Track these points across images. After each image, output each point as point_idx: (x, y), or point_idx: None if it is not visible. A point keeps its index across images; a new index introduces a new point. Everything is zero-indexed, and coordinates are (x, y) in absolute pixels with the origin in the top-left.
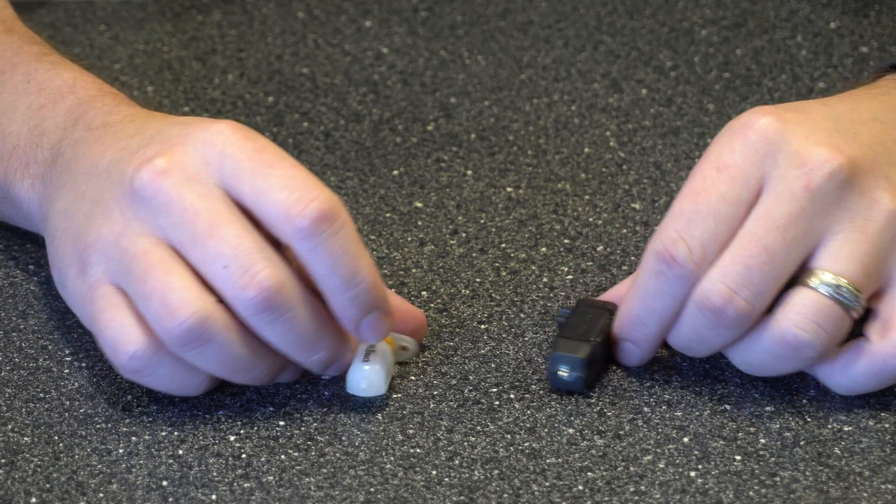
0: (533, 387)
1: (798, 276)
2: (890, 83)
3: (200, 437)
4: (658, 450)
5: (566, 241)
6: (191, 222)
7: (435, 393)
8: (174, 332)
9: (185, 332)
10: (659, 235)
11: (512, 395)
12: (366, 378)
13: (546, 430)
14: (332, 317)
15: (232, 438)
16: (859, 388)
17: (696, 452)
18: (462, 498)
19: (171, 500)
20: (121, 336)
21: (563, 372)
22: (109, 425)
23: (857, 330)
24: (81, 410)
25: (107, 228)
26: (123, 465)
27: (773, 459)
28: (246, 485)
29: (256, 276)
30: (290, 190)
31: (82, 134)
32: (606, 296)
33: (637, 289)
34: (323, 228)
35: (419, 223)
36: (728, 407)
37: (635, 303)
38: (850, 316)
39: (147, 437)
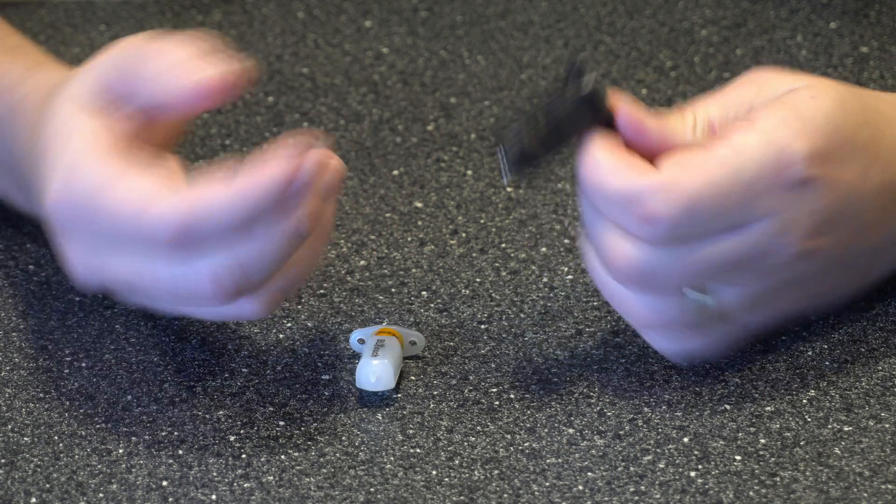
0: (533, 387)
1: None
2: None
3: (200, 437)
4: (658, 450)
5: (566, 241)
6: None
7: (435, 393)
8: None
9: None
10: None
11: (512, 395)
12: (374, 372)
13: (546, 430)
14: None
15: (232, 438)
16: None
17: (696, 452)
18: (462, 498)
19: (171, 500)
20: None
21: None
22: (109, 425)
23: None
24: (81, 410)
25: None
26: (123, 465)
27: (773, 459)
28: (246, 485)
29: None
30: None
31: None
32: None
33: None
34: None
35: (419, 223)
36: (728, 407)
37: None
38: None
39: (147, 437)
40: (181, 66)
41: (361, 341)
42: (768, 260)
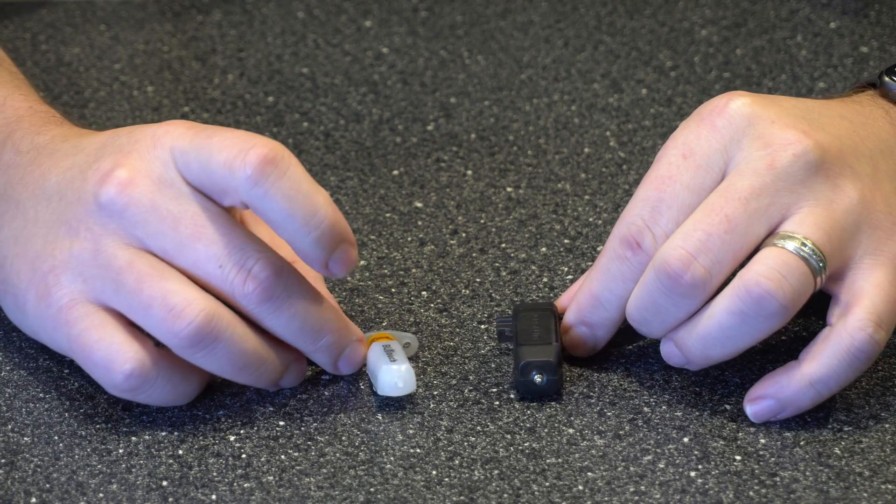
0: None
1: (762, 245)
2: (864, 97)
3: (200, 437)
4: (658, 450)
5: (566, 241)
6: (173, 228)
7: (435, 393)
8: (183, 334)
9: (194, 331)
10: (624, 220)
11: (512, 395)
12: (402, 378)
13: (546, 430)
14: (331, 298)
15: (232, 438)
16: (834, 376)
17: (696, 452)
18: (462, 498)
19: (171, 500)
20: (113, 355)
21: (538, 378)
22: (109, 425)
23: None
24: (81, 410)
25: (77, 247)
26: (123, 465)
27: (773, 459)
28: (246, 485)
29: (252, 268)
30: (229, 147)
31: (11, 157)
32: (560, 300)
33: (599, 271)
34: (268, 172)
35: (419, 223)
36: (728, 407)
37: (596, 284)
38: (813, 280)
39: (147, 437)
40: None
41: None
42: None
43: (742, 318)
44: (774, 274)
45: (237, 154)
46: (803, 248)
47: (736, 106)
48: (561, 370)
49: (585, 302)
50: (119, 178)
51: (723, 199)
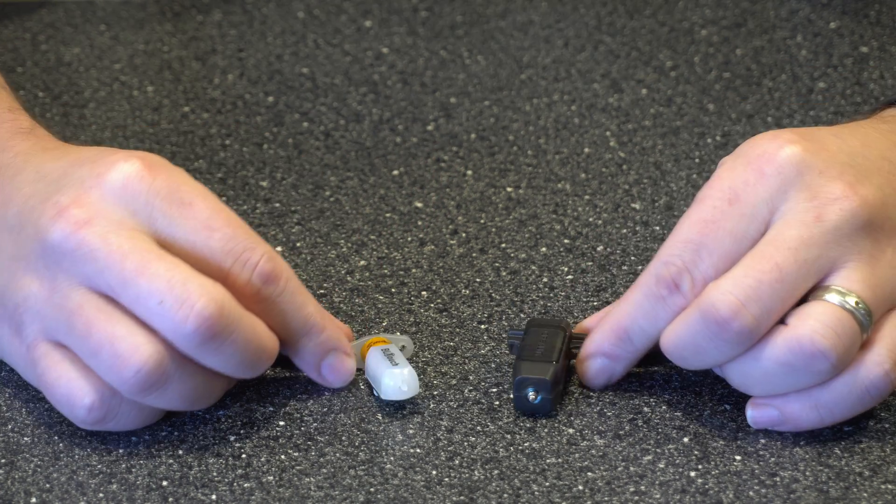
0: None
1: (808, 297)
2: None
3: (200, 437)
4: (658, 450)
5: (566, 241)
6: (119, 263)
7: (435, 393)
8: (131, 382)
9: (142, 379)
10: (662, 258)
11: (512, 395)
12: (406, 381)
13: (546, 430)
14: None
15: (232, 438)
16: (841, 404)
17: (696, 452)
18: (462, 498)
19: (171, 500)
20: (73, 392)
21: (531, 395)
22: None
23: None
24: None
25: (35, 286)
26: (123, 465)
27: (773, 459)
28: (246, 485)
29: (194, 306)
30: (228, 248)
31: None
32: (582, 326)
33: (631, 305)
34: (272, 285)
35: (419, 223)
36: (728, 407)
37: (626, 318)
38: (860, 336)
39: (147, 437)
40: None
41: None
42: None
43: (789, 370)
44: (829, 332)
45: (237, 261)
46: (856, 305)
47: (787, 155)
48: (559, 389)
49: (611, 333)
50: (74, 218)
51: (772, 247)
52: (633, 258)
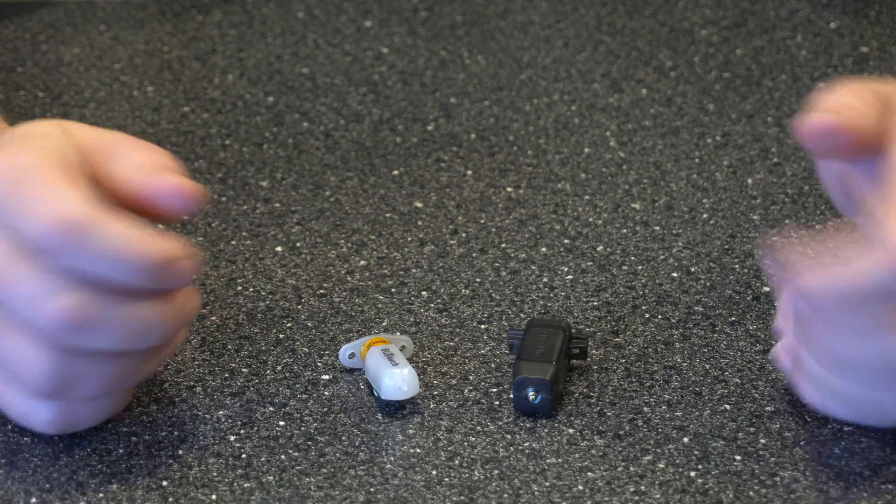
0: None
1: None
2: None
3: (200, 437)
4: (658, 450)
5: (566, 241)
6: None
7: (435, 393)
8: (40, 390)
9: (49, 388)
10: None
11: (512, 395)
12: (406, 381)
13: (546, 430)
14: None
15: (232, 438)
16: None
17: (696, 452)
18: (462, 498)
19: (171, 500)
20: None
21: (531, 395)
22: (109, 425)
23: None
24: None
25: None
26: (123, 465)
27: (773, 459)
28: (246, 485)
29: (58, 297)
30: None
31: None
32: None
33: (854, 270)
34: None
35: (419, 223)
36: (728, 407)
37: (845, 281)
38: None
39: (147, 437)
40: (144, 170)
41: (352, 355)
42: None
43: None
44: None
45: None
46: None
47: None
48: (559, 389)
49: (829, 299)
50: None
51: None
52: (633, 258)
